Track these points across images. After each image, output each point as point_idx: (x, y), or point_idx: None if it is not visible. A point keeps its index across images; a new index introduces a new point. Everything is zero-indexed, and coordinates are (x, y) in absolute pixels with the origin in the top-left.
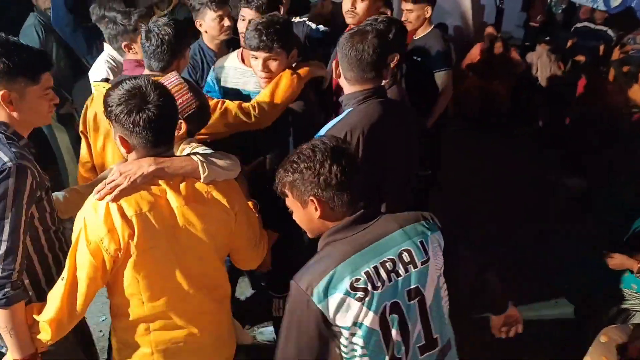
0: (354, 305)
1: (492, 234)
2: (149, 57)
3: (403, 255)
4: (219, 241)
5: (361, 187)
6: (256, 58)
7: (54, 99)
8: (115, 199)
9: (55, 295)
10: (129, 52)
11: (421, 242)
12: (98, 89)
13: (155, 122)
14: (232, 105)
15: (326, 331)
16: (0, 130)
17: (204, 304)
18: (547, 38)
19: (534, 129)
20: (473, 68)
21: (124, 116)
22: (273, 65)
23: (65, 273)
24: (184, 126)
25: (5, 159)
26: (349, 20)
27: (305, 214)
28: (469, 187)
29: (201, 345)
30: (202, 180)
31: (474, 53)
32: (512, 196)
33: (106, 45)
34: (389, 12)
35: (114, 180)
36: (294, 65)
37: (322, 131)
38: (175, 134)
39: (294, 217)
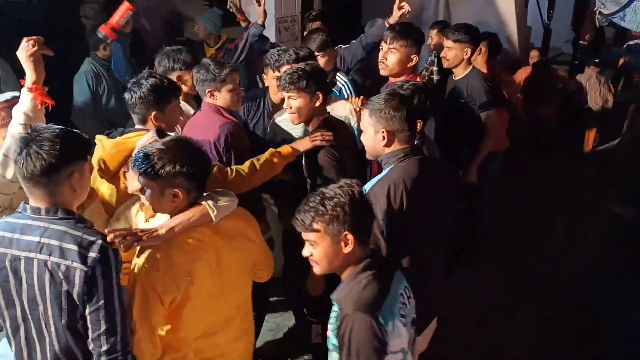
0: (403, 331)
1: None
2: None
3: (406, 289)
4: (250, 263)
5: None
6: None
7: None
8: (126, 250)
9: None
10: (210, 97)
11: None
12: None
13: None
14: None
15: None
16: (70, 217)
17: (239, 321)
18: (597, 60)
19: (582, 152)
20: (520, 91)
21: (191, 167)
22: (293, 103)
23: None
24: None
25: (99, 242)
26: (381, 71)
27: (333, 249)
28: (514, 212)
29: (236, 351)
30: (214, 221)
31: (520, 76)
32: (558, 224)
33: None
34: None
35: (138, 238)
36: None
37: (366, 187)
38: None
39: (315, 252)
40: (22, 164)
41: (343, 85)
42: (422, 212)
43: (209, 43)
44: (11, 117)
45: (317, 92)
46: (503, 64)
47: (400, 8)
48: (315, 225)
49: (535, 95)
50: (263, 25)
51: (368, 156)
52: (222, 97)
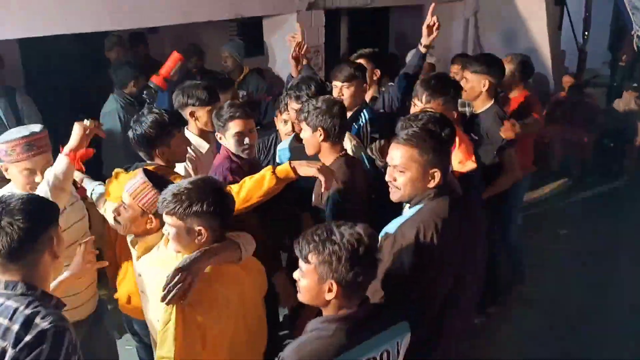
0: None
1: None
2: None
3: (383, 355)
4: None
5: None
6: None
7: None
8: (185, 299)
9: None
10: (220, 140)
11: (397, 343)
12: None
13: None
14: None
15: None
16: (29, 294)
17: (255, 339)
18: (635, 84)
19: (619, 181)
20: (553, 118)
21: (214, 206)
22: (302, 135)
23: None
24: (154, 221)
25: (44, 324)
26: None
27: (317, 288)
28: (552, 248)
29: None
30: (242, 259)
31: (555, 102)
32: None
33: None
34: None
35: (178, 282)
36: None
37: (392, 227)
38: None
39: (301, 281)
40: None
41: (364, 122)
42: (453, 252)
43: (234, 75)
44: (26, 153)
45: (318, 128)
46: (537, 90)
47: (429, 28)
48: (309, 258)
49: (571, 121)
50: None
51: (401, 198)
52: (227, 142)
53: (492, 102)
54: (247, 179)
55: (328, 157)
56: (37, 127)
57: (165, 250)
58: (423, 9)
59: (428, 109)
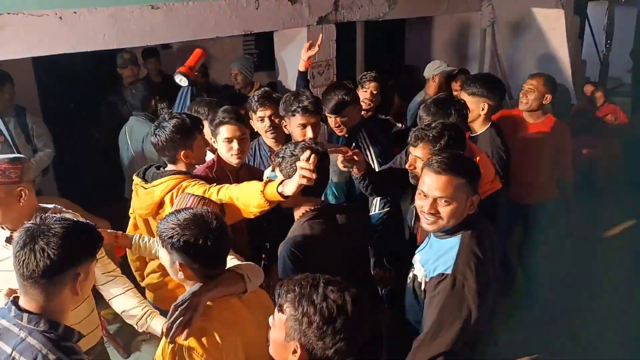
0: None
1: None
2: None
3: None
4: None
5: None
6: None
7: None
8: (188, 335)
9: None
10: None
11: None
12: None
13: (217, 246)
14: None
15: None
16: (52, 332)
17: None
18: None
19: None
20: (574, 130)
21: (188, 245)
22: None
23: None
24: None
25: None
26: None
27: (282, 344)
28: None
29: None
30: (248, 290)
31: (576, 113)
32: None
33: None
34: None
35: (177, 318)
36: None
37: (434, 263)
38: None
39: (271, 330)
40: (23, 261)
41: (362, 139)
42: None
43: (244, 91)
44: (17, 179)
45: None
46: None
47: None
48: (284, 308)
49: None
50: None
51: (441, 229)
52: (218, 147)
53: (489, 124)
54: (234, 189)
55: (299, 209)
56: (10, 156)
57: None
58: (434, 21)
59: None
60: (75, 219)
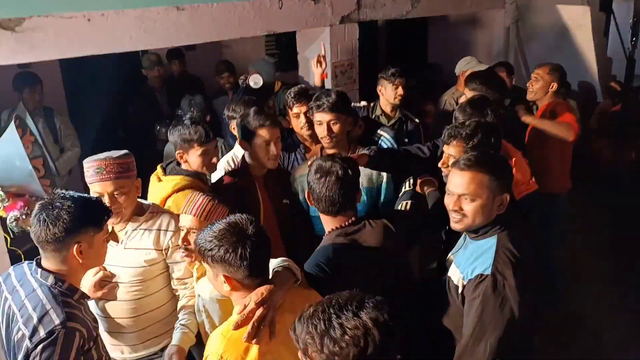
0: None
1: None
2: None
3: None
4: None
5: None
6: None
7: (109, 238)
8: (272, 335)
9: None
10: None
11: None
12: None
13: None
14: None
15: None
16: (57, 287)
17: None
18: None
19: None
20: (600, 129)
21: (228, 255)
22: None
23: None
24: None
25: (56, 321)
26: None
27: None
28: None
29: None
30: (299, 280)
31: (601, 111)
32: None
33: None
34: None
35: (260, 318)
36: None
37: (473, 264)
38: None
39: None
40: (34, 229)
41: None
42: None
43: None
44: (135, 173)
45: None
46: (582, 99)
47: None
48: (309, 353)
49: (619, 132)
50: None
51: (467, 227)
52: (253, 151)
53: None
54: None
55: (327, 228)
56: (117, 153)
57: None
58: (457, 18)
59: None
60: (80, 195)
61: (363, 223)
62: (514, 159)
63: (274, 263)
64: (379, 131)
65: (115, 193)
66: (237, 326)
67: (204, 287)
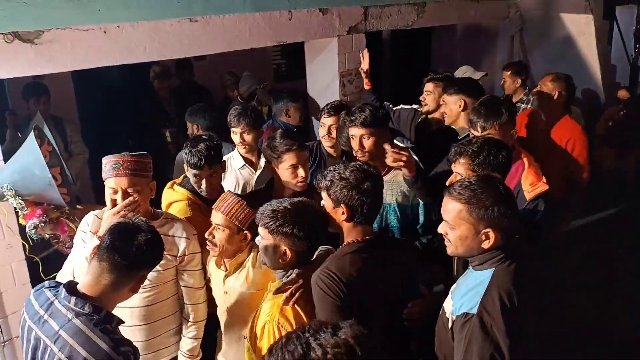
0: None
1: None
2: None
3: None
4: None
5: None
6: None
7: None
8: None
9: None
10: None
11: None
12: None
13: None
14: None
15: None
16: (95, 315)
17: None
18: None
19: None
20: (605, 137)
21: (301, 230)
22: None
23: None
24: (249, 236)
25: (108, 350)
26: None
27: None
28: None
29: None
30: None
31: (605, 119)
32: None
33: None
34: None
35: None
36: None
37: (465, 303)
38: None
39: None
40: (106, 249)
41: None
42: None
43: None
44: (151, 173)
45: (341, 204)
46: (586, 106)
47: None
48: None
49: (623, 140)
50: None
51: (454, 254)
52: (281, 173)
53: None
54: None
55: (347, 236)
56: (140, 153)
57: (253, 271)
58: (461, 28)
59: (487, 136)
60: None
61: (381, 240)
62: (526, 169)
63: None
64: (394, 140)
65: (129, 190)
66: (288, 298)
67: (235, 285)
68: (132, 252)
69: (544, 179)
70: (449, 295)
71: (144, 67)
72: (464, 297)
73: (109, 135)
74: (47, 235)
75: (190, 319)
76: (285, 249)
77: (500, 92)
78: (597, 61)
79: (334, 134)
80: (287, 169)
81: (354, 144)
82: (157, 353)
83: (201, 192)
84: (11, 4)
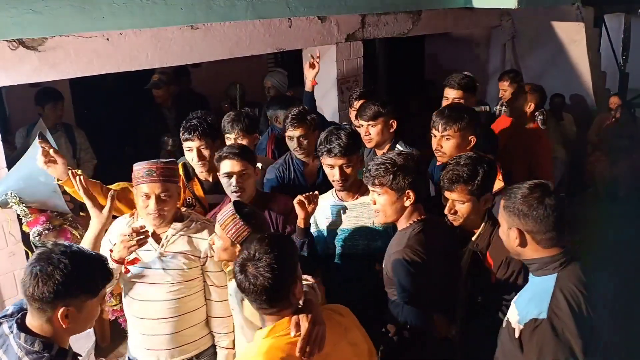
0: None
1: None
2: None
3: None
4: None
5: None
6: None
7: (104, 302)
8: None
9: None
10: None
11: None
12: None
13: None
14: None
15: None
16: (45, 353)
17: None
18: None
19: None
20: (597, 143)
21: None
22: (378, 200)
23: None
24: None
25: None
26: (438, 159)
27: None
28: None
29: None
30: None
31: (597, 126)
32: None
33: None
34: None
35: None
36: None
37: (531, 309)
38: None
39: None
40: (23, 279)
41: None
42: (601, 318)
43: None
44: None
45: (407, 190)
46: (577, 113)
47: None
48: None
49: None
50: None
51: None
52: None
53: None
54: None
55: (408, 218)
56: (169, 160)
57: None
58: (454, 36)
59: (446, 136)
60: (83, 254)
61: (432, 217)
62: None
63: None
64: (397, 145)
65: (162, 195)
66: (301, 349)
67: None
68: (46, 294)
69: (499, 177)
70: (512, 306)
71: (142, 74)
72: (529, 304)
73: (107, 144)
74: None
75: (222, 332)
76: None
77: (494, 101)
78: (588, 68)
79: (304, 144)
80: (221, 176)
81: (332, 174)
82: (182, 348)
83: (197, 169)
84: (16, 11)
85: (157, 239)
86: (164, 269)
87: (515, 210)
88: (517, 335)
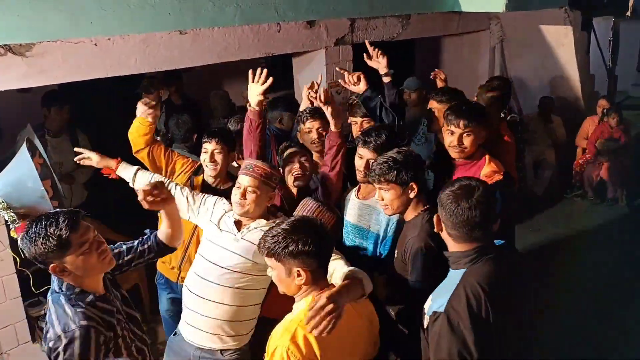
0: None
1: None
2: None
3: None
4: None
5: None
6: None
7: (100, 247)
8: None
9: None
10: None
11: None
12: None
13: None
14: None
15: None
16: (67, 294)
17: None
18: None
19: None
20: (585, 146)
21: (308, 247)
22: (385, 196)
23: None
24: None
25: (72, 326)
26: (454, 155)
27: None
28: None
29: None
30: (365, 294)
31: (585, 128)
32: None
33: None
34: None
35: (331, 312)
36: None
37: (438, 301)
38: None
39: None
40: (27, 243)
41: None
42: (504, 317)
43: None
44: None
45: (411, 183)
46: (566, 115)
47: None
48: None
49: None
50: None
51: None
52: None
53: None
54: None
55: (414, 209)
56: (271, 164)
57: None
58: (443, 39)
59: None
60: (41, 220)
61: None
62: (487, 156)
63: (339, 262)
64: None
65: (248, 189)
66: (309, 319)
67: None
68: (32, 259)
69: (497, 167)
70: (430, 297)
71: (134, 80)
72: (437, 296)
73: (97, 149)
74: None
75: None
76: (298, 270)
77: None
78: (577, 71)
79: (324, 136)
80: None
81: (360, 164)
82: (217, 337)
83: (207, 171)
84: (4, 17)
85: (239, 227)
86: (234, 253)
87: (440, 198)
88: (425, 325)
